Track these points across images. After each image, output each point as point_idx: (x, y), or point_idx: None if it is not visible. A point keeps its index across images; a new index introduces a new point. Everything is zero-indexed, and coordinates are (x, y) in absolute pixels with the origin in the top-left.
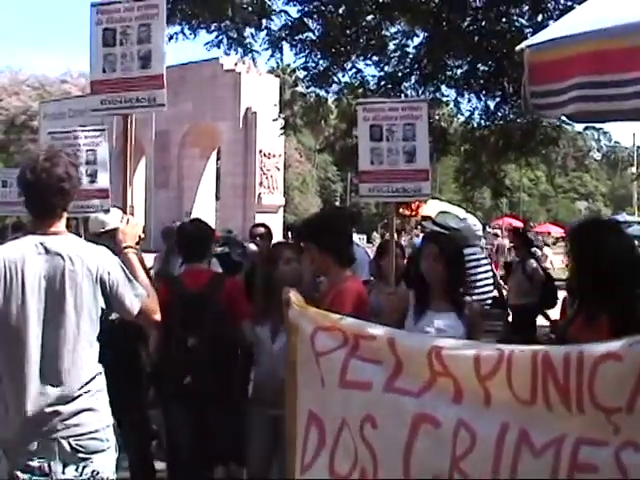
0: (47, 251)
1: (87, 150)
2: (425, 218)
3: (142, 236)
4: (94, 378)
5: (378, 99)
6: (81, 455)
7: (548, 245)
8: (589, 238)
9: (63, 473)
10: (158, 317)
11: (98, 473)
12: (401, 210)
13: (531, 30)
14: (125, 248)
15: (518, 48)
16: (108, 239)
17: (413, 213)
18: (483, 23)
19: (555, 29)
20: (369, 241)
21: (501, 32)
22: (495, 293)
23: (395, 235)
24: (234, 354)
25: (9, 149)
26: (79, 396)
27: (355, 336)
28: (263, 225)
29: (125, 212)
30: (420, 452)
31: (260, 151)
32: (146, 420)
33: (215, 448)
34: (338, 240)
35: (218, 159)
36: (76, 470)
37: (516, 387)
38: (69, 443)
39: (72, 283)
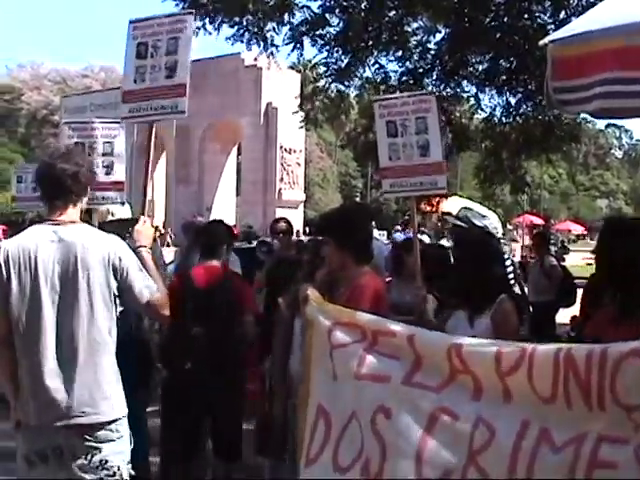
0: (60, 239)
1: (104, 142)
2: (446, 214)
3: (162, 231)
4: (110, 366)
5: (391, 95)
6: (91, 444)
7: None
8: (624, 238)
9: (73, 460)
10: (167, 312)
11: (107, 462)
12: (422, 206)
13: (553, 27)
14: (139, 247)
15: (541, 42)
16: (113, 228)
17: (434, 209)
18: (505, 19)
19: (579, 24)
20: (389, 237)
21: (523, 28)
22: (517, 289)
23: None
24: (239, 346)
25: (30, 143)
26: (95, 383)
27: (374, 332)
28: (284, 220)
29: (143, 213)
30: (435, 444)
31: (281, 146)
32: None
33: (216, 435)
34: (356, 236)
35: (239, 154)
36: (85, 458)
37: (537, 384)
38: (81, 432)
39: (84, 269)
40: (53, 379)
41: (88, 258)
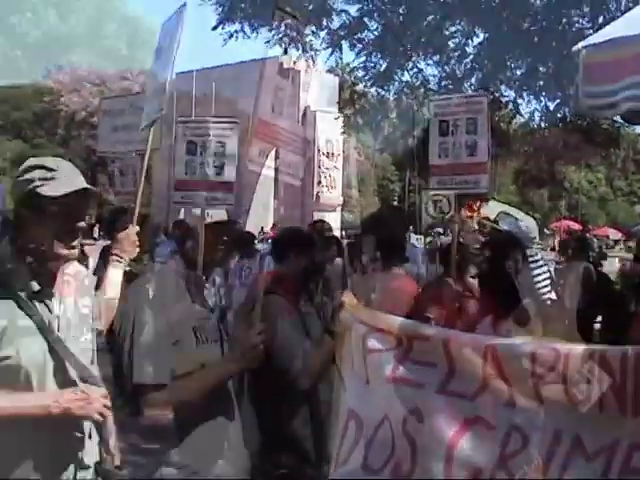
0: None
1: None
2: (484, 219)
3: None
4: None
5: (447, 95)
6: None
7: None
8: None
9: None
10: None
11: None
12: (462, 212)
13: (591, 32)
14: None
15: (575, 48)
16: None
17: (475, 214)
18: (543, 24)
19: (612, 30)
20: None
21: (561, 33)
22: (553, 295)
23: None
24: None
25: (69, 145)
26: None
27: (408, 338)
28: (315, 223)
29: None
30: (466, 446)
31: (319, 150)
32: None
33: None
34: (384, 241)
35: (276, 157)
36: None
37: (571, 388)
38: None
39: None
40: None
41: None
